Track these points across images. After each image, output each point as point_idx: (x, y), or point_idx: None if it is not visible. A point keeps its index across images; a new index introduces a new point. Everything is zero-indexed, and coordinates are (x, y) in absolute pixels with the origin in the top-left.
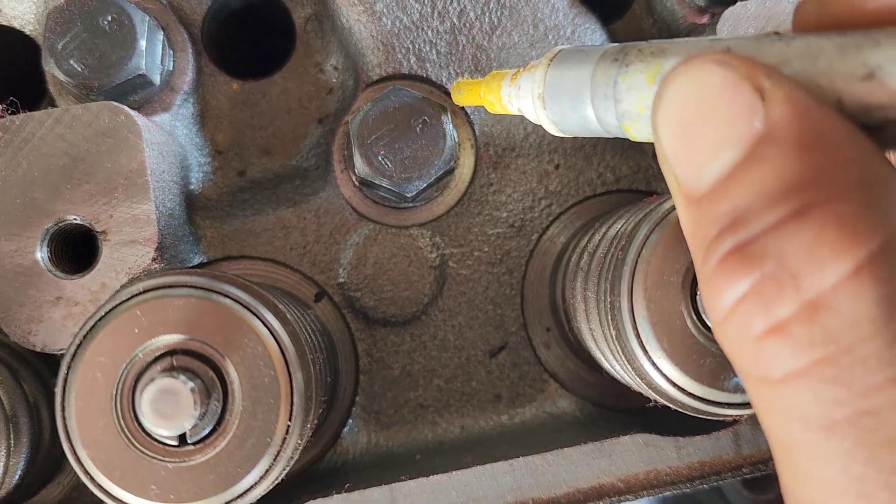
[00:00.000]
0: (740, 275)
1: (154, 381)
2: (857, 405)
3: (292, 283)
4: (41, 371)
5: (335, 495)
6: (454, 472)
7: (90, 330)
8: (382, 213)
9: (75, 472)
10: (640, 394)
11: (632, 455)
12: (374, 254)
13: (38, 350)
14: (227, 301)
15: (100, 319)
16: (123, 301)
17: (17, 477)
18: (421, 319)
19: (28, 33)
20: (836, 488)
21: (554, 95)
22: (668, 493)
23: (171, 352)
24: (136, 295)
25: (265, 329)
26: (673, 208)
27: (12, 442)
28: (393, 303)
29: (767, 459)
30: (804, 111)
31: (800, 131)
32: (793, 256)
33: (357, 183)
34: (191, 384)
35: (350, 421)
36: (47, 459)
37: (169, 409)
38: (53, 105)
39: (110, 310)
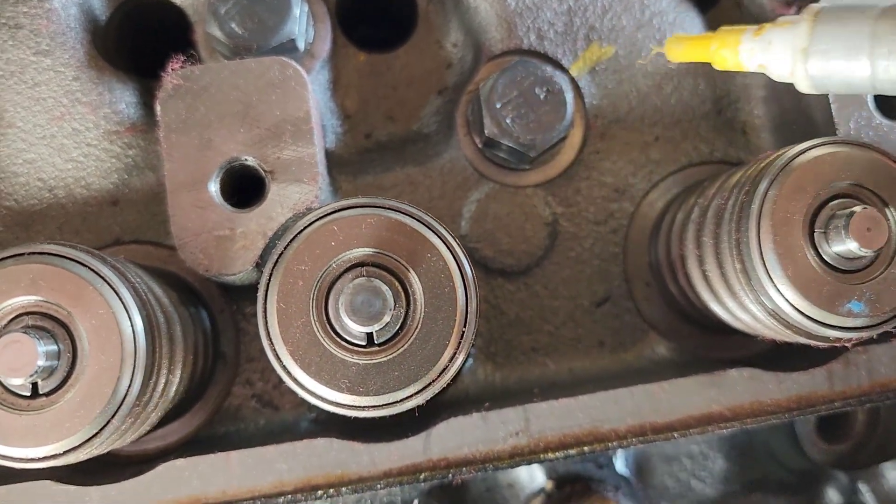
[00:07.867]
0: None
1: (354, 281)
2: None
3: None
4: (201, 296)
5: (474, 413)
6: (581, 396)
7: (291, 240)
8: (501, 174)
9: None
10: (730, 343)
11: (738, 386)
12: (494, 210)
13: (210, 275)
14: (414, 222)
15: (300, 231)
16: (322, 217)
17: (182, 391)
18: (534, 271)
19: (178, 4)
20: None
21: (823, 50)
22: (771, 422)
23: (361, 263)
24: (334, 212)
25: (446, 247)
26: (794, 156)
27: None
28: (510, 254)
29: (858, 395)
30: None
31: None
32: None
33: (481, 144)
34: (385, 287)
35: (469, 360)
36: (197, 386)
37: (366, 307)
38: None
39: (310, 223)
